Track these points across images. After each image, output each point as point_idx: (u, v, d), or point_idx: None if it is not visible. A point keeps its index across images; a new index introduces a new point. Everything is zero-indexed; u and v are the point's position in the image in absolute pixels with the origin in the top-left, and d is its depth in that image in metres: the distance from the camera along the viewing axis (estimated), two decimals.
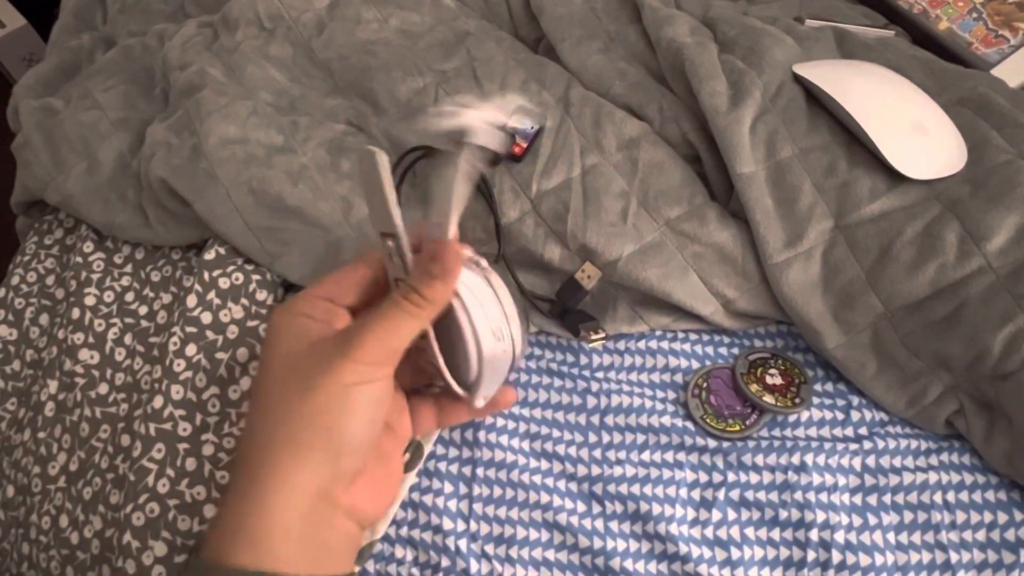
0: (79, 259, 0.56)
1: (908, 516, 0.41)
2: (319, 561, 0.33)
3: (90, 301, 0.53)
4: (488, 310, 0.36)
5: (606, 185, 0.48)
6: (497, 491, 0.43)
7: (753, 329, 0.49)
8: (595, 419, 0.45)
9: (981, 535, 0.40)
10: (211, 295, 0.49)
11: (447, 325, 0.36)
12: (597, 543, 0.41)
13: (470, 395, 0.37)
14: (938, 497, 0.41)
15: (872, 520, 0.41)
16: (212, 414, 0.46)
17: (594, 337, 0.44)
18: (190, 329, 0.48)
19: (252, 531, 0.32)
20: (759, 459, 0.43)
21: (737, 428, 0.44)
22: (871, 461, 0.42)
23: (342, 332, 0.35)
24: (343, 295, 0.37)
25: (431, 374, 0.39)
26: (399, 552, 0.42)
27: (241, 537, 0.32)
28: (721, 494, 0.42)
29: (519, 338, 0.37)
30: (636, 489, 0.42)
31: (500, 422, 0.45)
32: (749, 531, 0.41)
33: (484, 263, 0.38)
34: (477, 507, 0.42)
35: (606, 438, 0.44)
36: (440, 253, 0.34)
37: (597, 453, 0.43)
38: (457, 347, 0.36)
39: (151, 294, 0.54)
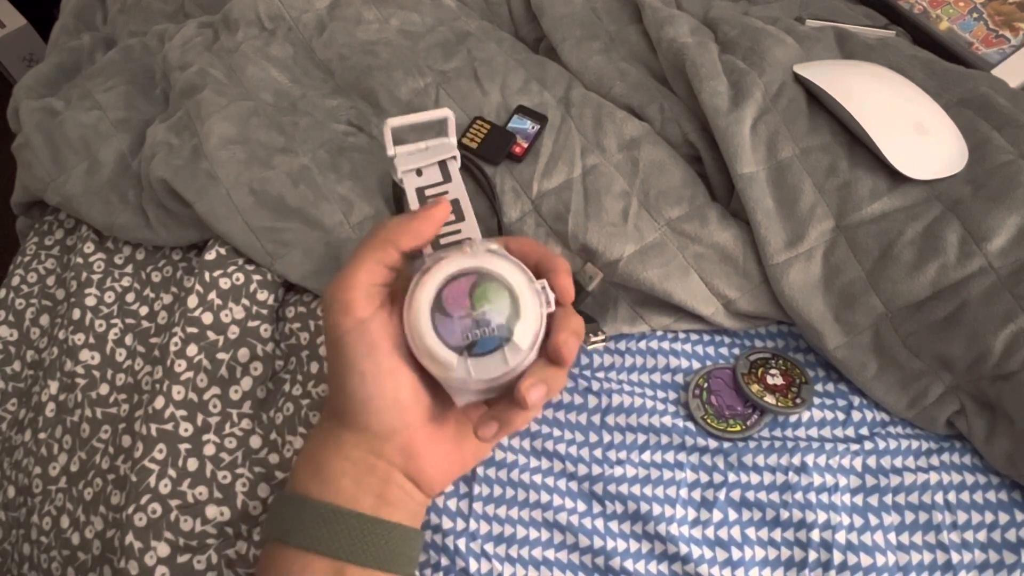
0: (80, 260, 0.56)
1: (909, 516, 0.41)
2: (379, 507, 0.36)
3: (91, 302, 0.53)
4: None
5: (607, 185, 0.48)
6: (497, 490, 0.43)
7: (754, 329, 0.49)
8: (596, 419, 0.45)
9: (982, 535, 0.40)
10: (212, 295, 0.49)
11: None
12: (597, 543, 0.41)
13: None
14: (939, 497, 0.41)
15: (873, 520, 0.41)
16: (213, 414, 0.46)
17: (594, 339, 0.44)
18: (191, 329, 0.48)
19: (319, 465, 0.36)
20: (760, 459, 0.43)
21: (738, 428, 0.44)
22: (872, 461, 0.42)
23: None
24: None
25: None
26: None
27: (312, 470, 0.37)
28: (722, 494, 0.42)
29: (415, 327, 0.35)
30: (636, 489, 0.42)
31: None
32: (750, 531, 0.41)
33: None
34: (477, 506, 0.42)
35: (607, 438, 0.44)
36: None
37: (598, 453, 0.43)
38: None
39: (152, 295, 0.54)
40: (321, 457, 0.36)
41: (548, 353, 0.35)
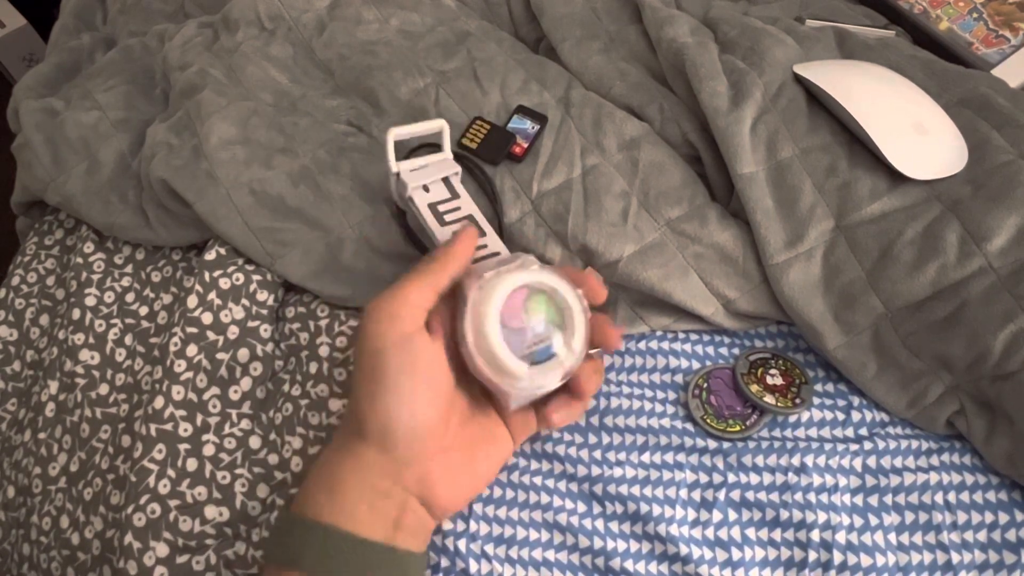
0: (79, 260, 0.56)
1: (909, 516, 0.41)
2: (392, 534, 0.35)
3: (90, 302, 0.53)
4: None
5: (607, 185, 0.48)
6: (497, 491, 0.43)
7: (754, 329, 0.49)
8: (595, 420, 0.45)
9: (982, 535, 0.40)
10: (212, 295, 0.49)
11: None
12: (597, 543, 0.41)
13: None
14: (939, 498, 0.41)
15: (873, 521, 0.41)
16: (213, 415, 0.46)
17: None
18: (191, 329, 0.48)
19: (335, 487, 0.36)
20: (759, 460, 0.43)
21: (737, 429, 0.44)
22: (872, 462, 0.42)
23: None
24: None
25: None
26: None
27: (327, 492, 0.36)
28: (721, 495, 0.42)
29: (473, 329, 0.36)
30: (636, 490, 0.42)
31: None
32: (750, 532, 0.41)
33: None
34: (477, 507, 0.42)
35: (606, 439, 0.44)
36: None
37: (597, 454, 0.43)
38: None
39: (152, 295, 0.54)
40: (338, 477, 0.36)
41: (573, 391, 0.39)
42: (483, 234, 0.42)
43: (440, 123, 0.45)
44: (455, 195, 0.44)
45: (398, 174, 0.45)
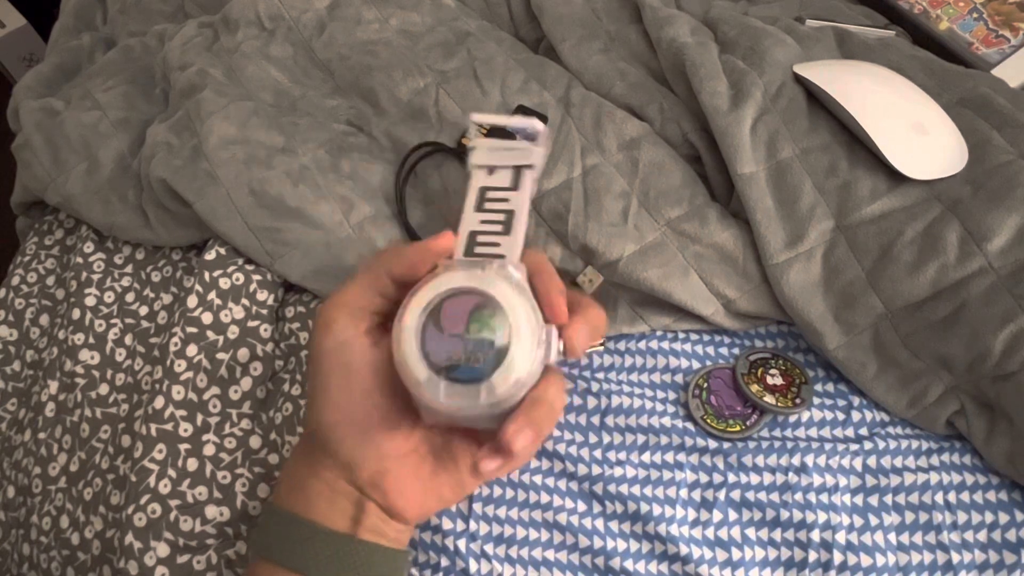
0: (79, 259, 0.56)
1: (909, 516, 0.41)
2: (355, 531, 0.35)
3: (90, 301, 0.53)
4: None
5: (607, 185, 0.48)
6: (497, 491, 0.43)
7: (754, 329, 0.49)
8: (595, 419, 0.45)
9: (982, 535, 0.40)
10: (212, 295, 0.49)
11: None
12: (597, 543, 0.41)
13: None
14: (939, 497, 0.41)
15: (873, 521, 0.41)
16: (213, 414, 0.46)
17: (592, 344, 0.44)
18: (191, 329, 0.48)
19: (298, 482, 0.36)
20: (759, 460, 0.43)
21: (737, 428, 0.44)
22: (872, 462, 0.42)
23: None
24: None
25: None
26: None
27: (292, 486, 0.36)
28: (722, 495, 0.42)
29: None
30: (636, 490, 0.42)
31: None
32: (750, 532, 0.41)
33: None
34: (477, 507, 0.42)
35: (606, 438, 0.44)
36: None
37: (598, 453, 0.43)
38: None
39: (151, 294, 0.54)
40: (299, 474, 0.36)
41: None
42: (505, 232, 0.36)
43: (531, 122, 0.39)
44: (515, 187, 0.38)
45: (473, 148, 0.39)
